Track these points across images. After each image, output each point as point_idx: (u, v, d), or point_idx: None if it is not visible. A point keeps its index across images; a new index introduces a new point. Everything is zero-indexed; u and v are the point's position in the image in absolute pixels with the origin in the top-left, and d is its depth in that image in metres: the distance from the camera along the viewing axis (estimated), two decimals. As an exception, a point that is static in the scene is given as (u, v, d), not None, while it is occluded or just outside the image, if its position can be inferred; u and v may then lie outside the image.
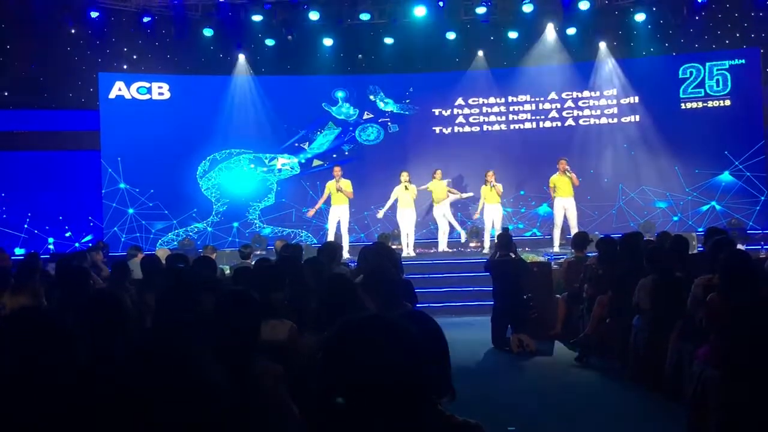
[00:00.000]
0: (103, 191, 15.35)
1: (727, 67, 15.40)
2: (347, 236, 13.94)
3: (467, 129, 16.50)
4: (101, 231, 15.30)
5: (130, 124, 15.45)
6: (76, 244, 15.01)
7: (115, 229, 15.35)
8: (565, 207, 13.78)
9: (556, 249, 13.59)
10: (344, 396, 1.84)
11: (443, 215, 14.57)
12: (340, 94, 16.55)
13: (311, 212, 14.66)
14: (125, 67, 16.04)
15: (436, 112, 16.50)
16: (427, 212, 15.15)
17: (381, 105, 16.57)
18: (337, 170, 13.96)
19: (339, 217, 13.80)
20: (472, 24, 15.93)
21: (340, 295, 3.99)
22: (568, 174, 13.72)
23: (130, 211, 15.48)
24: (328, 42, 16.02)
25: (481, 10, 15.10)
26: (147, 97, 15.75)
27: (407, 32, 15.86)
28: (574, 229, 13.03)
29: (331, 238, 13.40)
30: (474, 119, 16.51)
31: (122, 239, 15.19)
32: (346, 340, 1.92)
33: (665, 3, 15.45)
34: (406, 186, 13.90)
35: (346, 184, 13.80)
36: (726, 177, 15.26)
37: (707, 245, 6.81)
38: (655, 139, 15.54)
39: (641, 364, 6.98)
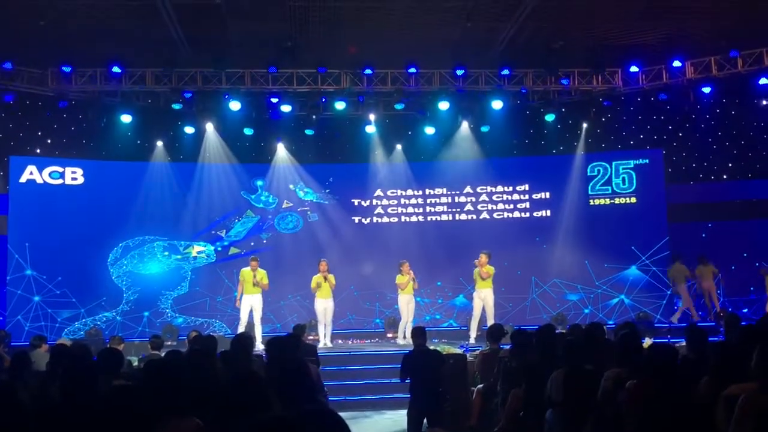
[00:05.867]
0: (8, 278, 14.74)
1: (632, 166, 16.19)
2: (260, 327, 13.61)
3: (386, 219, 16.72)
4: (4, 319, 14.60)
5: (40, 209, 15.03)
6: (-25, 334, 14.26)
7: (19, 317, 14.69)
8: (482, 298, 13.87)
9: (472, 341, 13.60)
10: None
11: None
12: (259, 183, 16.56)
13: (240, 303, 13.76)
14: (38, 151, 15.73)
15: (356, 202, 16.69)
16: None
17: (301, 194, 16.64)
18: (254, 261, 13.80)
19: (252, 305, 13.53)
20: (390, 119, 16.38)
21: (248, 394, 3.90)
22: (478, 268, 13.79)
23: (36, 298, 14.87)
24: (248, 131, 16.13)
25: (399, 106, 15.52)
26: (60, 181, 15.40)
27: (328, 125, 16.14)
28: (490, 320, 13.09)
29: (242, 328, 13.12)
30: (392, 210, 16.76)
31: (26, 328, 14.51)
32: None
33: (573, 104, 16.26)
34: (324, 276, 13.75)
35: (263, 275, 13.61)
36: (633, 271, 15.81)
37: (615, 339, 6.98)
38: (566, 233, 16.03)
39: (555, 459, 6.96)
